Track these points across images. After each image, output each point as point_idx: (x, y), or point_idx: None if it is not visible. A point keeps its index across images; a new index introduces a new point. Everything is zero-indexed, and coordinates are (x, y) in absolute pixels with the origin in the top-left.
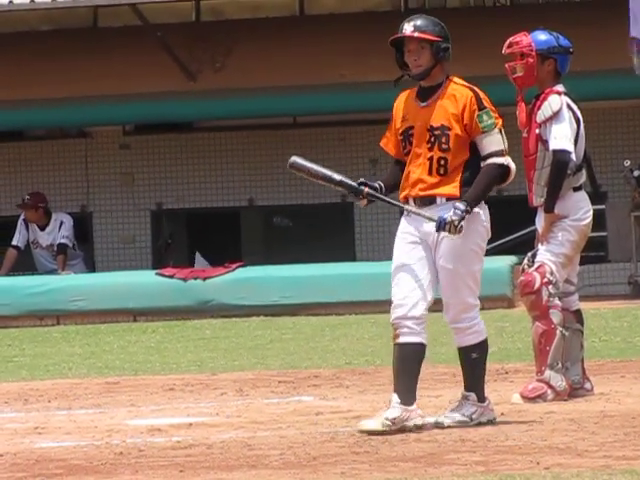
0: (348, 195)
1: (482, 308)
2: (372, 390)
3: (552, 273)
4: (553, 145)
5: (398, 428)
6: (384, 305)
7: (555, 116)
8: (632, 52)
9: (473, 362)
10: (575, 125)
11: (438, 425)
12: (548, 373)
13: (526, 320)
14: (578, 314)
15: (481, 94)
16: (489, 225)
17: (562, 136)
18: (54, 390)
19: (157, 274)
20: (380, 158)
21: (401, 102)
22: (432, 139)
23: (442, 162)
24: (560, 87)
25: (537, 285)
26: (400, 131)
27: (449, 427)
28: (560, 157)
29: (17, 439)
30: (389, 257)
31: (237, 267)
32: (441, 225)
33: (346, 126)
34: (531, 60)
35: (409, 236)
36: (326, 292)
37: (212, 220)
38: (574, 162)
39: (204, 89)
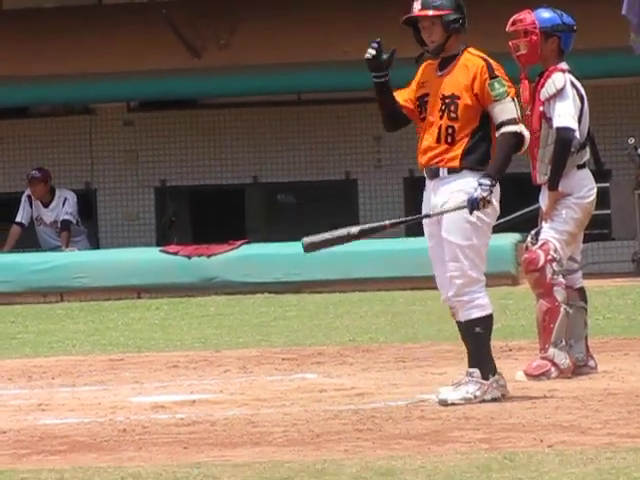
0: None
1: (486, 285)
2: (376, 368)
3: (556, 250)
4: (557, 123)
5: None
6: (388, 282)
7: (559, 94)
8: (632, 31)
9: (476, 337)
10: (579, 103)
11: (442, 402)
12: (552, 351)
13: (530, 298)
14: (582, 292)
15: (494, 64)
16: (496, 201)
17: (566, 114)
18: (58, 367)
19: (161, 251)
20: (384, 135)
21: (425, 69)
22: (443, 107)
23: (450, 130)
24: (564, 65)
25: (541, 263)
26: (417, 96)
27: (453, 404)
28: (564, 134)
29: (21, 416)
30: (393, 234)
31: (241, 244)
32: (474, 206)
33: (350, 103)
34: (535, 38)
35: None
36: (330, 269)
37: (216, 197)
38: (578, 140)
39: (208, 66)
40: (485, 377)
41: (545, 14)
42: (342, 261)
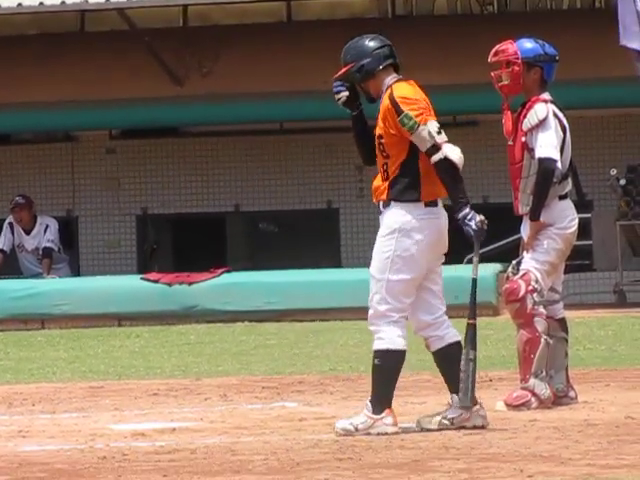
0: None
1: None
2: (356, 397)
3: (537, 281)
4: (539, 153)
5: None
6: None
7: (541, 124)
8: (635, 59)
9: (376, 369)
10: (561, 133)
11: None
12: (532, 381)
13: (511, 328)
14: (563, 322)
15: (398, 98)
16: (421, 236)
17: (548, 144)
18: (38, 394)
19: (142, 279)
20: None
21: None
22: (379, 146)
23: (385, 167)
24: (546, 95)
25: (522, 293)
26: None
27: (337, 433)
28: (546, 165)
29: (1, 442)
30: None
31: (222, 272)
32: (475, 236)
33: (332, 133)
34: (517, 68)
35: None
36: (311, 298)
37: (197, 225)
38: (560, 170)
39: (191, 94)
40: (376, 412)
41: (527, 44)
42: (322, 290)
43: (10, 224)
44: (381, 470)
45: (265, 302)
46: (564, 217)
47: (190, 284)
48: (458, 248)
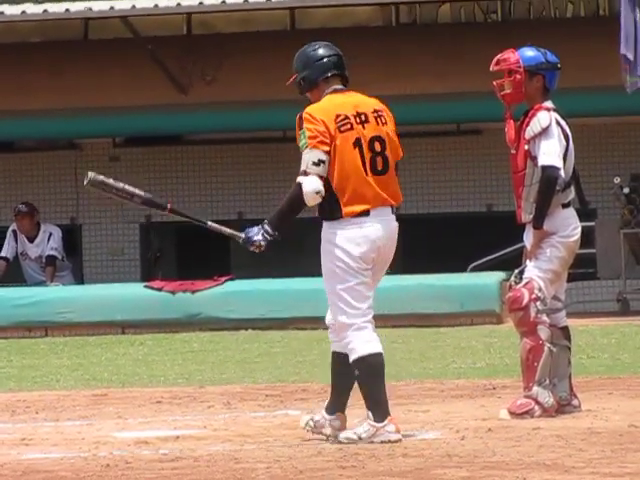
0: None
1: (471, 323)
2: (359, 405)
3: (540, 289)
4: (542, 161)
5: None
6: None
7: (544, 132)
8: (624, 70)
9: (358, 379)
10: (564, 141)
11: (336, 439)
12: (536, 389)
13: (514, 336)
14: (565, 331)
15: (305, 114)
16: (353, 245)
17: (551, 152)
18: (41, 402)
19: (146, 287)
20: None
21: None
22: None
23: None
24: (549, 103)
25: (525, 301)
26: None
27: (340, 442)
28: (549, 173)
29: (4, 450)
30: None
31: (226, 280)
32: (248, 243)
33: None
34: (519, 77)
35: None
36: (315, 306)
37: (201, 233)
38: (562, 178)
39: (194, 102)
40: (378, 420)
41: (529, 53)
42: (326, 299)
43: (14, 232)
44: (384, 478)
45: (269, 310)
46: (567, 225)
47: (194, 292)
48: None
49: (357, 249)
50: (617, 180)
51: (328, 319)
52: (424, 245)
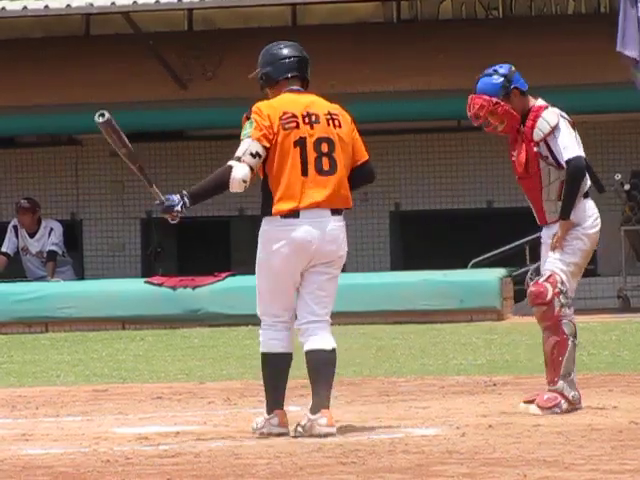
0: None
1: (471, 320)
2: (360, 401)
3: (563, 283)
4: (566, 156)
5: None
6: (373, 316)
7: (554, 129)
8: (632, 66)
9: (262, 370)
10: (573, 130)
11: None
12: (561, 383)
13: (514, 332)
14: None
15: (255, 107)
16: (278, 246)
17: (569, 144)
18: (42, 397)
19: (146, 282)
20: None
21: None
22: None
23: None
24: (542, 101)
25: (549, 297)
26: None
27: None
28: (575, 164)
29: (4, 446)
30: (378, 267)
31: (226, 276)
32: (166, 210)
33: None
34: (501, 109)
35: None
36: None
37: (202, 229)
38: None
39: (195, 98)
40: (267, 412)
41: (487, 84)
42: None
43: (14, 227)
44: (384, 474)
45: None
46: (588, 216)
47: (194, 288)
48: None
49: (283, 249)
50: (618, 177)
51: (298, 322)
52: (424, 241)
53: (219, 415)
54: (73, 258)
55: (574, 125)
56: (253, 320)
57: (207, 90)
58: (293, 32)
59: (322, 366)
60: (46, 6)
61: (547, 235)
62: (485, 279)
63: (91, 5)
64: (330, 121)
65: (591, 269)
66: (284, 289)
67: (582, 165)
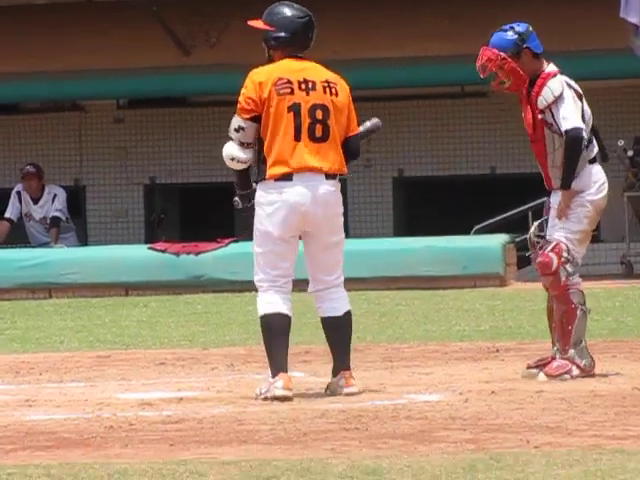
0: None
1: (474, 286)
2: (363, 367)
3: (568, 251)
4: (564, 126)
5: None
6: (376, 282)
7: (558, 99)
8: (632, 33)
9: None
10: (579, 101)
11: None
12: (572, 352)
13: (517, 298)
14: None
15: (250, 75)
16: (271, 209)
17: (570, 115)
18: (45, 363)
19: (149, 248)
20: (374, 135)
21: None
22: None
23: None
24: (552, 67)
25: (555, 266)
26: None
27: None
28: (573, 134)
29: (7, 411)
30: (381, 233)
31: (229, 242)
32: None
33: None
34: (509, 65)
35: None
36: None
37: (205, 195)
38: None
39: (198, 64)
40: (272, 375)
41: (500, 39)
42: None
43: (18, 193)
44: (387, 440)
45: None
46: (594, 182)
47: (197, 254)
48: (464, 219)
49: (276, 212)
50: (621, 143)
51: (310, 288)
52: (427, 208)
53: (222, 381)
54: (76, 224)
55: (581, 96)
56: (256, 287)
57: (210, 56)
58: None
59: (334, 331)
60: None
61: (555, 201)
62: (488, 245)
63: None
64: (327, 89)
65: (594, 235)
66: (279, 252)
67: (580, 136)
